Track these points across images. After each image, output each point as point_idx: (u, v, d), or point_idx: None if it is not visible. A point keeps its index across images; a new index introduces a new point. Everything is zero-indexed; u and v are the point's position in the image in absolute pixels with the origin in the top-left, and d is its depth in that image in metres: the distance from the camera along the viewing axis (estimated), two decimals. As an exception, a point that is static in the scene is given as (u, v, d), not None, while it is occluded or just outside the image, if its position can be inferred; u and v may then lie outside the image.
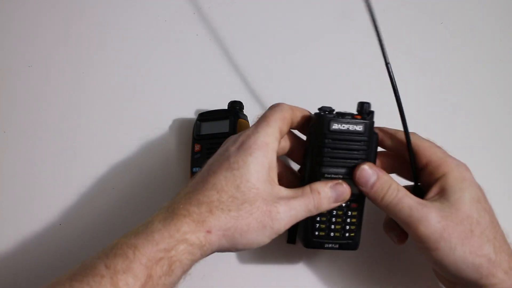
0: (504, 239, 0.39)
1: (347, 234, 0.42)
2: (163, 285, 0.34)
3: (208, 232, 0.35)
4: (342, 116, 0.41)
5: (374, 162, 0.42)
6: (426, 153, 0.41)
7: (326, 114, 0.41)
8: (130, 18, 0.60)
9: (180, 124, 0.55)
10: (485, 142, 0.55)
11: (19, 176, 0.52)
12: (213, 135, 0.49)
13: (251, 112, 0.53)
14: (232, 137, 0.40)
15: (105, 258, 0.33)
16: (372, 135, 0.42)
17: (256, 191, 0.36)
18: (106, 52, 0.58)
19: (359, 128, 0.41)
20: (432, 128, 0.55)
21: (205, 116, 0.51)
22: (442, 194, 0.39)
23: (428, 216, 0.37)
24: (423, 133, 0.55)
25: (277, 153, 0.40)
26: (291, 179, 0.44)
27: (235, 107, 0.52)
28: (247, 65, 0.58)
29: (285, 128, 0.40)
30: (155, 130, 0.54)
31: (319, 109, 0.42)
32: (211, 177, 0.37)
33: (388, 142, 0.43)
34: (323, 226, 0.41)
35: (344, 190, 0.40)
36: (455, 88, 0.58)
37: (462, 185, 0.39)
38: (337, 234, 0.42)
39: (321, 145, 0.41)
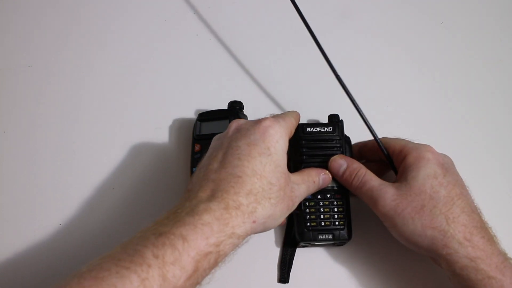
0: (464, 210, 0.40)
1: (337, 223, 0.46)
2: (205, 275, 0.35)
3: (254, 222, 0.36)
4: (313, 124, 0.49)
5: None
6: (390, 144, 0.45)
7: (300, 123, 0.48)
8: (130, 18, 0.60)
9: (180, 124, 0.55)
10: (485, 142, 0.55)
11: (19, 176, 0.52)
12: (214, 135, 0.49)
13: (251, 112, 0.53)
14: (248, 122, 0.41)
15: (152, 247, 0.32)
16: (343, 136, 0.48)
17: (285, 177, 0.39)
18: (106, 52, 0.58)
19: (329, 128, 0.48)
20: (432, 127, 0.56)
21: (205, 116, 0.51)
22: (402, 174, 0.43)
23: (384, 195, 0.41)
24: (423, 132, 0.55)
25: None
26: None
27: (235, 107, 0.52)
28: (247, 65, 0.58)
29: (291, 133, 0.44)
30: (155, 130, 0.54)
31: None
32: (247, 162, 0.37)
33: (366, 151, 0.49)
34: (313, 216, 0.46)
35: (328, 179, 0.45)
36: (455, 88, 0.58)
37: (419, 164, 0.41)
38: (328, 223, 0.46)
39: (299, 146, 0.47)
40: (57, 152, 0.53)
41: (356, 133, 0.52)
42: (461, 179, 0.43)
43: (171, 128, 0.54)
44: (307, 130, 0.49)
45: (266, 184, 0.37)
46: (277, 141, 0.39)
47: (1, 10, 0.60)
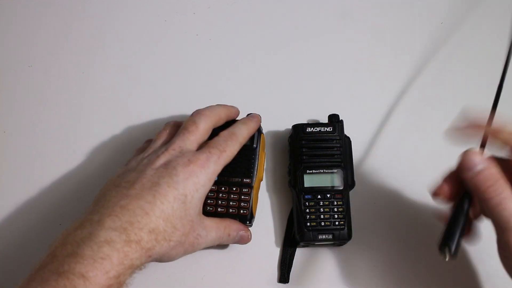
0: None
1: (337, 223, 0.46)
2: None
3: (149, 256, 0.37)
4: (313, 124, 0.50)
5: (351, 163, 0.49)
6: None
7: (300, 123, 0.50)
8: (130, 18, 0.60)
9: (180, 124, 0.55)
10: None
11: (19, 176, 0.52)
12: None
13: (250, 111, 0.53)
14: (178, 158, 0.41)
15: None
16: (343, 136, 0.49)
17: (192, 224, 0.40)
18: (106, 52, 0.58)
19: (329, 128, 0.49)
20: (432, 128, 0.56)
21: (224, 124, 0.49)
22: None
23: None
24: (423, 133, 0.55)
25: None
26: None
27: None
28: (246, 65, 0.58)
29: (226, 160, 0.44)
30: (155, 130, 0.54)
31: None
32: (161, 204, 0.38)
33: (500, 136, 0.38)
34: (313, 216, 0.46)
35: (247, 238, 0.46)
36: (455, 88, 0.58)
37: None
38: (328, 223, 0.46)
39: (299, 146, 0.48)
40: (57, 152, 0.53)
41: (356, 133, 0.52)
42: None
43: (171, 128, 0.54)
44: (307, 130, 0.49)
45: (170, 227, 0.38)
46: (197, 190, 0.40)
47: (1, 10, 0.60)
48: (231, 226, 0.44)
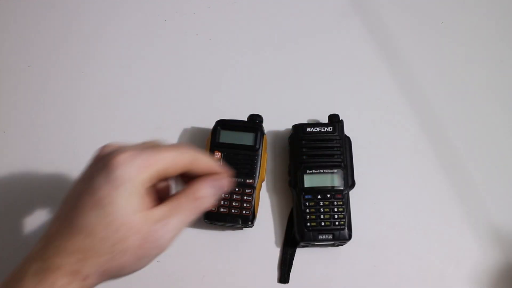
0: None
1: (337, 223, 0.46)
2: None
3: (85, 279, 0.33)
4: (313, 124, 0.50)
5: (351, 163, 0.49)
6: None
7: (300, 123, 0.50)
8: (130, 18, 0.60)
9: (180, 124, 0.55)
10: (485, 141, 0.55)
11: (18, 175, 0.52)
12: (236, 145, 0.49)
13: (249, 111, 0.52)
14: (96, 162, 0.36)
15: None
16: (343, 136, 0.49)
17: (127, 227, 0.33)
18: (105, 52, 0.58)
19: (329, 128, 0.49)
20: (432, 126, 0.56)
21: (226, 124, 0.50)
22: None
23: None
24: (424, 132, 0.55)
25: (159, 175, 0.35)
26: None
27: (256, 120, 0.51)
28: (246, 65, 0.58)
29: (172, 171, 0.35)
30: (155, 130, 0.54)
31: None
32: (77, 217, 0.33)
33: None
34: (313, 216, 0.46)
35: (225, 184, 0.36)
36: (455, 88, 0.58)
37: None
38: (328, 223, 0.46)
39: (299, 146, 0.48)
40: (56, 152, 0.53)
41: (356, 133, 0.52)
42: None
43: (170, 128, 0.54)
44: (307, 130, 0.49)
45: (97, 240, 0.33)
46: (117, 187, 0.33)
47: (1, 10, 0.60)
48: (192, 191, 0.35)
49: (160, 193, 0.37)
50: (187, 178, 0.37)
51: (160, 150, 0.35)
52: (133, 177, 0.33)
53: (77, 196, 0.34)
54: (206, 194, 0.36)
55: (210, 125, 0.51)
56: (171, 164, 0.35)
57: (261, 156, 0.49)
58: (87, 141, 0.54)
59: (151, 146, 0.35)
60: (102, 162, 0.35)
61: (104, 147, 0.37)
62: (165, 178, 0.36)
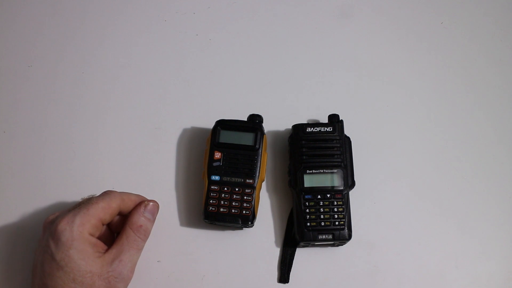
0: None
1: (337, 223, 0.46)
2: None
3: None
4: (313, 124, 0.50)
5: (351, 163, 0.49)
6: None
7: (300, 123, 0.50)
8: (130, 18, 0.60)
9: (179, 124, 0.55)
10: (485, 140, 0.55)
11: (18, 176, 0.52)
12: (236, 145, 0.49)
13: (249, 110, 0.52)
14: (44, 231, 0.42)
15: None
16: (343, 136, 0.49)
17: (90, 275, 0.39)
18: (106, 52, 0.58)
19: (329, 128, 0.49)
20: (433, 127, 0.56)
21: (226, 124, 0.50)
22: None
23: None
24: (423, 132, 0.55)
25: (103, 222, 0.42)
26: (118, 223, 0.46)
27: (256, 120, 0.50)
28: (247, 65, 0.58)
29: (108, 217, 0.42)
30: (155, 130, 0.54)
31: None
32: (48, 281, 0.39)
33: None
34: (313, 216, 0.46)
35: (154, 207, 0.45)
36: (455, 88, 0.58)
37: None
38: (328, 223, 0.46)
39: (299, 146, 0.48)
40: (57, 152, 0.53)
41: (356, 133, 0.52)
42: None
43: (170, 127, 0.54)
44: (307, 130, 0.49)
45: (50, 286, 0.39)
46: (70, 248, 0.39)
47: (1, 10, 0.60)
48: (131, 224, 0.43)
49: (108, 236, 0.45)
50: (124, 216, 0.44)
51: (92, 205, 0.41)
52: (77, 236, 0.39)
53: (41, 265, 0.40)
54: (144, 221, 0.43)
55: (210, 125, 0.51)
56: (104, 212, 0.42)
57: (261, 156, 0.49)
58: (87, 141, 0.54)
59: (85, 203, 0.42)
60: (49, 231, 0.41)
61: (47, 218, 0.43)
62: (104, 224, 0.43)
